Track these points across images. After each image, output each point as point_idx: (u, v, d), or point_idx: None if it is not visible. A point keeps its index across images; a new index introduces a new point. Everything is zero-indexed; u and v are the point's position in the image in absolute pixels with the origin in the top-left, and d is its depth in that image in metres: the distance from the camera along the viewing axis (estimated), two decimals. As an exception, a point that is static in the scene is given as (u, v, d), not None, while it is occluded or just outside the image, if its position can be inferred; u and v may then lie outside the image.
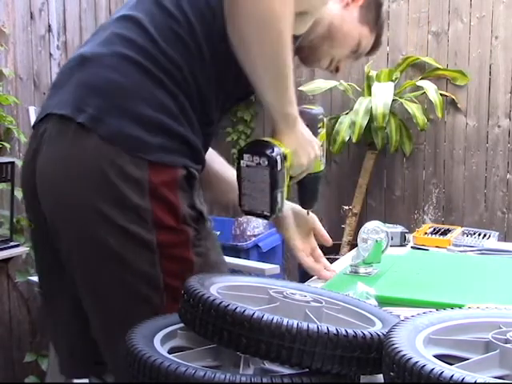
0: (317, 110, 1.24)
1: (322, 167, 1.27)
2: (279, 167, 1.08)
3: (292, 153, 1.12)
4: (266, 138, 1.11)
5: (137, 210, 1.03)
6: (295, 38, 1.15)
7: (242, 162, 1.10)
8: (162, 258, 1.05)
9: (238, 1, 0.97)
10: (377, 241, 1.42)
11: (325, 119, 1.26)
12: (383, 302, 1.16)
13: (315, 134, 1.20)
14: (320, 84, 3.43)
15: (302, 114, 1.16)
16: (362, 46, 1.34)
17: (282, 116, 1.10)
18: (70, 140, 1.05)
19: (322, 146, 1.23)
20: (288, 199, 1.18)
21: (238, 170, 1.11)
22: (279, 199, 1.10)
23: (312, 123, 1.20)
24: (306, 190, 1.28)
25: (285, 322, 0.74)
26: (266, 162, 1.07)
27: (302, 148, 1.14)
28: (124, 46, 1.08)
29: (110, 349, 1.09)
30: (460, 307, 0.88)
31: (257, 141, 1.13)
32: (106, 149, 1.03)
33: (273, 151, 1.08)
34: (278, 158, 1.07)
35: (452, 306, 0.86)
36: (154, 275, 1.05)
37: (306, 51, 1.29)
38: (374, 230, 1.46)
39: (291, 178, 1.16)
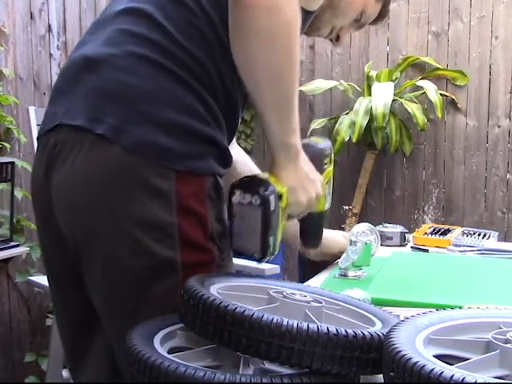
0: (323, 144, 1.16)
1: (327, 206, 1.18)
2: (272, 207, 0.99)
3: (290, 190, 1.03)
4: (260, 174, 1.03)
5: (163, 227, 0.97)
6: (308, 14, 1.10)
7: (233, 198, 1.01)
8: (184, 280, 0.97)
9: (248, 16, 0.92)
10: (366, 243, 1.40)
11: (332, 155, 1.17)
12: (378, 304, 1.16)
13: (320, 170, 1.11)
14: (320, 84, 3.43)
15: (307, 147, 1.09)
16: (367, 14, 1.26)
17: (283, 146, 1.02)
18: (88, 154, 0.98)
19: (327, 183, 1.15)
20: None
21: (229, 206, 1.02)
22: (271, 242, 1.01)
23: (317, 158, 1.11)
24: (308, 229, 1.20)
25: (285, 322, 0.74)
26: (259, 201, 0.98)
27: (301, 186, 1.05)
28: (136, 43, 0.99)
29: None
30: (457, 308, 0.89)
31: (250, 177, 1.04)
32: (129, 160, 0.96)
33: (266, 189, 0.99)
34: (272, 198, 0.99)
35: (448, 308, 0.86)
36: (174, 297, 0.99)
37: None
38: (363, 232, 1.44)
39: (290, 216, 1.08)
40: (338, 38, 1.29)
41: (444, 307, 0.86)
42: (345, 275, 1.40)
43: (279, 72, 0.96)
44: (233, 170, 1.20)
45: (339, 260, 1.43)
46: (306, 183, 1.06)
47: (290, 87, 0.98)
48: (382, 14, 1.31)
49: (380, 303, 1.16)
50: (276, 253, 1.04)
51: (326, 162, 1.15)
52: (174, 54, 0.99)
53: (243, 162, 1.35)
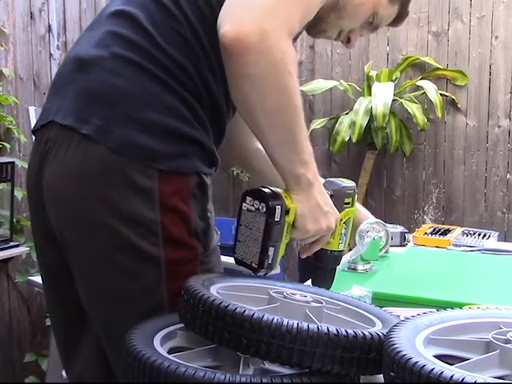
0: (347, 183, 1.16)
1: (342, 247, 1.16)
2: (277, 218, 1.00)
3: (298, 215, 1.04)
4: (274, 188, 1.04)
5: (146, 224, 1.00)
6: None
7: (243, 204, 1.04)
8: (168, 276, 1.02)
9: (240, 61, 0.93)
10: (374, 238, 1.43)
11: (356, 197, 1.18)
12: (378, 298, 1.17)
13: (339, 208, 1.12)
14: (320, 84, 3.43)
15: (330, 183, 1.12)
16: (379, 16, 1.22)
17: (292, 176, 1.03)
18: (75, 152, 1.01)
19: (344, 223, 1.15)
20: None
21: (239, 213, 1.05)
22: (271, 253, 1.02)
23: (338, 195, 1.13)
24: (318, 268, 1.17)
25: (285, 323, 0.74)
26: (264, 209, 1.00)
27: (311, 212, 1.05)
28: (123, 47, 1.03)
29: (115, 358, 1.07)
30: (459, 305, 0.89)
31: (263, 187, 1.05)
32: (114, 160, 0.99)
33: (274, 200, 1.01)
34: (278, 209, 1.00)
35: (450, 304, 0.86)
36: (158, 293, 1.02)
37: (310, 21, 1.12)
38: (373, 227, 1.47)
39: (297, 240, 1.08)
40: (348, 40, 1.26)
41: (442, 303, 0.86)
42: (354, 269, 1.44)
43: (276, 113, 0.97)
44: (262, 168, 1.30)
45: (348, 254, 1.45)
46: (317, 213, 1.05)
47: (292, 124, 0.99)
48: (401, 16, 1.27)
49: (379, 297, 1.17)
50: (273, 268, 1.04)
51: (346, 201, 1.15)
52: (158, 58, 1.02)
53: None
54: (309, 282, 1.34)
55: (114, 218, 1.00)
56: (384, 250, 1.53)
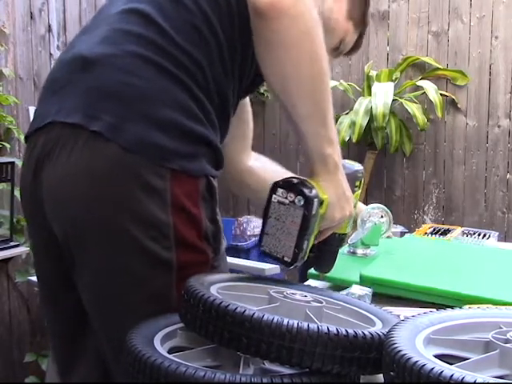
0: (357, 166, 1.15)
1: (348, 230, 1.15)
2: (314, 211, 0.97)
3: (328, 204, 1.02)
4: (303, 178, 1.01)
5: (159, 226, 0.97)
6: None
7: (273, 196, 1.00)
8: (178, 281, 0.98)
9: (273, 26, 0.93)
10: (376, 223, 1.43)
11: (363, 179, 1.17)
12: (373, 283, 1.18)
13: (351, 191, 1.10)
14: (320, 84, 3.43)
15: (342, 167, 1.08)
16: (345, 42, 1.26)
17: (320, 157, 1.02)
18: (82, 150, 0.96)
19: (354, 207, 1.12)
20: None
21: (268, 204, 1.00)
22: (305, 246, 0.98)
23: (350, 179, 1.10)
24: (325, 251, 1.14)
25: (285, 322, 0.74)
26: (302, 202, 0.96)
27: (338, 201, 1.03)
28: (134, 43, 0.99)
29: (114, 360, 1.05)
30: (456, 296, 0.89)
31: (295, 177, 1.01)
32: (126, 158, 0.95)
33: (311, 191, 0.97)
34: (316, 201, 0.97)
35: (454, 295, 0.85)
36: (167, 298, 1.00)
37: None
38: (376, 213, 1.47)
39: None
40: None
41: (437, 291, 0.85)
42: (354, 252, 1.45)
43: (309, 81, 0.98)
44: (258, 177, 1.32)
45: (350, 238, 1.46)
46: (343, 200, 1.05)
47: (322, 95, 1.00)
48: (357, 45, 1.31)
49: (373, 282, 1.18)
50: (304, 260, 1.01)
51: (356, 184, 1.15)
52: (172, 53, 0.99)
53: (273, 169, 1.39)
54: (308, 282, 1.34)
55: (125, 218, 0.96)
56: (386, 235, 1.53)
